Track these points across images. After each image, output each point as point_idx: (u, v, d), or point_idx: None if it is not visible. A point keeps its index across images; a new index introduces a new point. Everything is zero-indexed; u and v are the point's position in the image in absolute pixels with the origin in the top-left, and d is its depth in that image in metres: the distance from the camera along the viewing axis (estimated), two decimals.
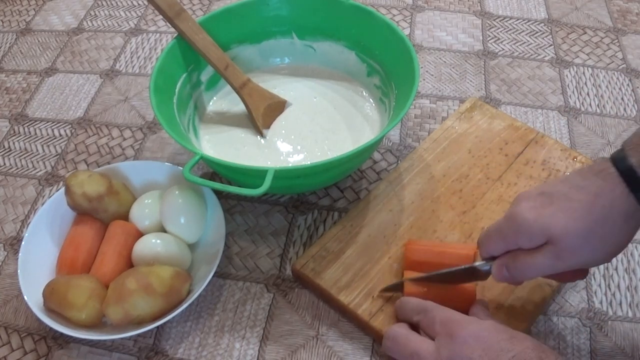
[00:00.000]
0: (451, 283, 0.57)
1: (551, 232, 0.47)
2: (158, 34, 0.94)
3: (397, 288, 0.59)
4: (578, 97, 0.82)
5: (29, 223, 0.66)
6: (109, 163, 0.75)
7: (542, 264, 0.48)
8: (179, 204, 0.62)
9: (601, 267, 0.64)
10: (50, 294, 0.57)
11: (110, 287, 0.57)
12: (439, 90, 0.83)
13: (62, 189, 0.64)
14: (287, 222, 0.68)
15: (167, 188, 0.65)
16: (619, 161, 0.46)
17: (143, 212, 0.63)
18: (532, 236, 0.48)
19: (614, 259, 0.64)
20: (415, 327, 0.54)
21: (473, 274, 0.55)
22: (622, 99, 0.81)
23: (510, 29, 0.92)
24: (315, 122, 0.73)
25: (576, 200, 0.47)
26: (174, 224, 0.62)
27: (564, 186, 0.48)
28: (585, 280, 0.63)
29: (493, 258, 0.52)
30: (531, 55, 0.88)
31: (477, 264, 0.54)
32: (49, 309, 0.58)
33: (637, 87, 0.83)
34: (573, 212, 0.46)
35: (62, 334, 0.59)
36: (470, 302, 0.56)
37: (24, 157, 0.77)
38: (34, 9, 1.00)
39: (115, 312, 0.55)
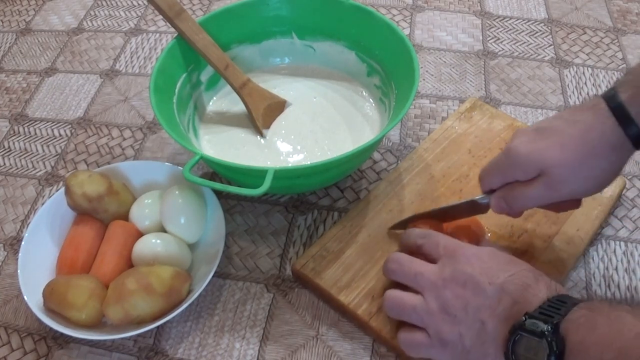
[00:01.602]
0: (454, 218, 0.60)
1: (544, 164, 0.50)
2: (158, 34, 0.94)
3: (404, 225, 0.62)
4: (578, 97, 0.82)
5: (29, 223, 0.66)
6: (109, 163, 0.75)
7: (536, 194, 0.52)
8: (179, 204, 0.62)
9: (601, 266, 0.64)
10: (50, 294, 0.57)
11: (110, 287, 0.57)
12: (439, 90, 0.83)
13: (62, 189, 0.64)
14: (287, 222, 0.68)
15: (167, 188, 0.65)
16: (609, 98, 0.49)
17: (143, 212, 0.63)
18: (526, 168, 0.51)
19: (614, 259, 0.64)
20: (416, 255, 0.56)
21: (474, 207, 0.58)
22: None
23: (510, 29, 0.92)
24: (315, 122, 0.73)
25: (568, 134, 0.50)
26: (174, 224, 0.62)
27: (557, 121, 0.52)
28: (585, 280, 0.63)
29: (492, 192, 0.56)
30: (531, 55, 0.88)
31: (477, 197, 0.57)
32: (49, 309, 0.58)
33: None
34: (565, 144, 0.49)
35: (62, 334, 0.59)
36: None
37: (24, 157, 0.77)
38: (33, 9, 1.00)
39: (115, 312, 0.55)
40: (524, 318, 0.45)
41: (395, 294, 0.54)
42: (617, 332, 0.42)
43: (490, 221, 0.64)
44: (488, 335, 0.48)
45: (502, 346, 0.47)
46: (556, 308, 0.45)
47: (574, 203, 0.55)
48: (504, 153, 0.53)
